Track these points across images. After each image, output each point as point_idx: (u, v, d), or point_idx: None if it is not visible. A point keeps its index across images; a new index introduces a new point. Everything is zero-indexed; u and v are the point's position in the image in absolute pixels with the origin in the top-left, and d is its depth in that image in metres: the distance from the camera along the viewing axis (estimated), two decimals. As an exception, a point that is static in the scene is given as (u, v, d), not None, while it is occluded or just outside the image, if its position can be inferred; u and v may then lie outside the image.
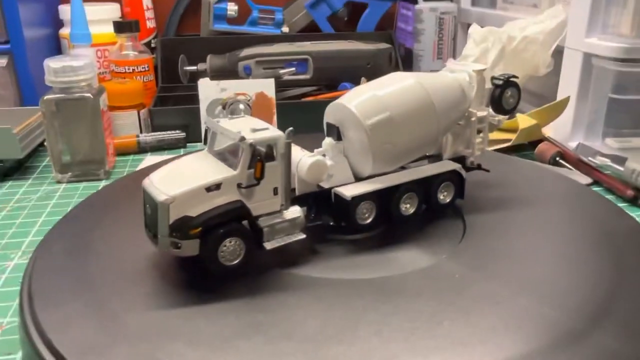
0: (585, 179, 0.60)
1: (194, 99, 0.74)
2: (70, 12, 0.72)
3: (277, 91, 0.70)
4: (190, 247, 0.29)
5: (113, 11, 0.82)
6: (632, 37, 0.63)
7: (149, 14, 0.88)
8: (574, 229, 0.37)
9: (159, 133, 0.68)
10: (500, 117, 0.41)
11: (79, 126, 0.58)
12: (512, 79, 0.39)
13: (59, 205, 0.54)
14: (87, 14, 0.73)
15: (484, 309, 0.28)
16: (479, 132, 0.40)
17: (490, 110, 0.40)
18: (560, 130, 0.70)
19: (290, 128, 0.30)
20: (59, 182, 0.59)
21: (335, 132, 0.35)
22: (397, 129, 0.35)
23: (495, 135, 0.67)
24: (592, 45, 0.65)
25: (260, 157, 0.29)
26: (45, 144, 0.68)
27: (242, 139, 0.29)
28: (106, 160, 0.59)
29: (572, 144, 0.69)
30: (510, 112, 0.40)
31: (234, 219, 0.30)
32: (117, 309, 0.28)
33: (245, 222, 0.31)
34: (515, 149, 0.68)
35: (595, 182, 0.60)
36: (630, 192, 0.55)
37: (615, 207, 0.40)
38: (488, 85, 0.40)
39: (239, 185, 0.30)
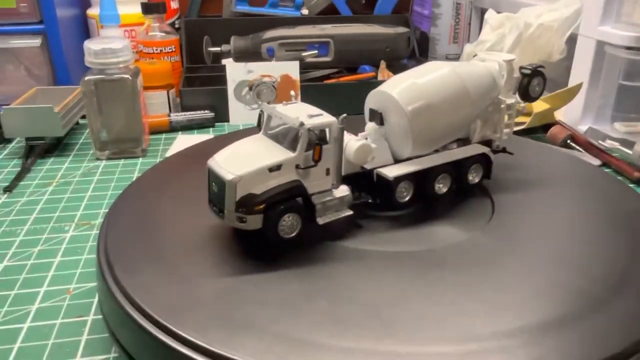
0: (595, 161, 0.64)
1: (218, 79, 0.77)
2: (100, -7, 0.75)
3: (300, 73, 0.73)
4: (255, 222, 0.32)
5: (139, -8, 0.84)
6: (645, 25, 0.65)
7: (173, -5, 0.89)
8: (593, 207, 0.40)
9: (189, 113, 0.71)
10: (525, 103, 0.44)
11: (117, 106, 0.61)
12: (539, 69, 0.42)
13: (102, 182, 0.57)
14: (115, -5, 0.76)
15: (519, 278, 0.31)
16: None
17: (517, 97, 0.43)
18: (571, 115, 0.73)
19: (344, 114, 0.33)
20: (98, 159, 0.62)
21: (378, 118, 0.38)
22: (436, 114, 0.38)
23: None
24: (605, 34, 0.67)
25: (320, 141, 0.32)
26: (82, 121, 0.71)
27: (302, 124, 0.32)
28: (143, 138, 0.62)
29: (582, 128, 0.72)
30: (535, 99, 0.43)
31: (292, 197, 0.33)
32: (191, 275, 0.31)
33: (300, 200, 0.34)
34: (528, 132, 0.71)
35: (604, 164, 0.63)
36: (637, 174, 0.59)
37: (628, 187, 0.43)
38: (516, 74, 0.43)
39: (297, 166, 0.33)
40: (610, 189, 0.43)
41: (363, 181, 0.38)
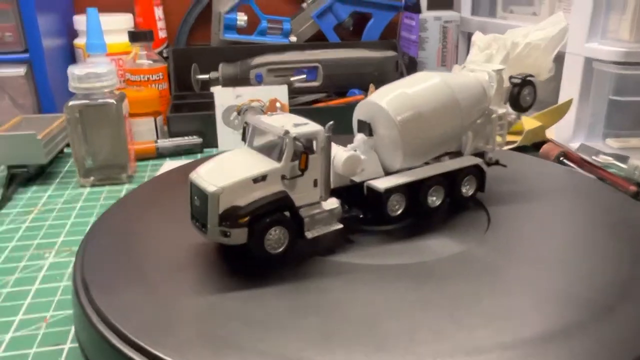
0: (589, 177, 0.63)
1: (206, 106, 0.76)
2: (87, 22, 0.74)
3: (289, 98, 0.73)
4: (239, 236, 0.31)
5: (126, 21, 0.84)
6: (631, 41, 0.66)
7: (161, 24, 0.90)
8: (592, 218, 0.39)
9: (176, 139, 0.70)
10: (515, 115, 0.44)
11: (101, 132, 0.59)
12: (529, 78, 0.42)
13: (86, 208, 0.55)
14: (102, 24, 0.75)
15: (519, 289, 0.30)
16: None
17: (508, 107, 0.42)
18: (562, 132, 0.73)
19: (331, 122, 0.32)
20: (82, 186, 0.60)
21: (367, 129, 0.37)
22: (426, 124, 0.37)
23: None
24: (592, 50, 0.68)
25: (306, 149, 0.31)
26: (66, 149, 0.70)
27: (287, 132, 0.31)
28: (128, 165, 0.61)
29: (574, 145, 0.72)
30: (527, 109, 0.42)
31: (279, 209, 0.32)
32: (172, 294, 0.29)
33: (287, 213, 0.32)
34: (520, 151, 0.70)
35: (599, 180, 0.62)
36: (632, 188, 0.58)
37: (627, 198, 0.42)
38: (506, 84, 0.42)
39: (283, 177, 0.32)
40: (609, 199, 0.42)
41: (353, 195, 0.37)
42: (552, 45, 0.73)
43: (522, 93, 0.42)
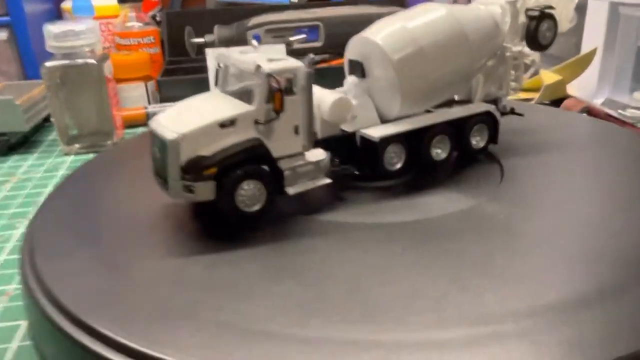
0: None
1: (202, 71, 0.71)
2: (72, -17, 0.70)
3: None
4: (205, 191, 0.26)
5: (116, -17, 0.79)
6: (664, -19, 0.59)
7: (153, -14, 0.85)
8: (621, 169, 0.33)
9: (168, 104, 0.65)
10: (533, 57, 0.38)
11: (83, 95, 0.55)
12: (548, 10, 0.36)
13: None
14: (89, -14, 0.71)
15: (540, 247, 0.25)
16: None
17: (524, 45, 0.37)
18: (584, 87, 0.66)
19: (311, 55, 0.27)
20: (66, 154, 0.57)
21: (359, 69, 0.32)
22: (429, 62, 0.32)
23: (517, 94, 0.64)
24: (620, -6, 0.61)
25: (280, 87, 0.26)
26: (50, 117, 0.66)
27: (258, 68, 0.26)
28: (114, 131, 0.57)
29: (598, 100, 0.65)
30: (546, 47, 0.37)
31: (252, 159, 0.27)
32: (127, 258, 0.25)
33: (265, 166, 0.28)
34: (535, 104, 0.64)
35: (620, 127, 0.56)
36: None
37: (663, 147, 0.37)
38: (522, 18, 0.36)
39: (256, 122, 0.27)
40: (637, 147, 0.36)
41: (344, 146, 0.32)
42: (574, -8, 0.66)
43: (540, 28, 0.36)
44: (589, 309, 0.20)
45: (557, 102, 0.64)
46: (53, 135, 0.63)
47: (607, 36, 0.63)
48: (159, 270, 0.24)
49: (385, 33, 0.32)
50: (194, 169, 0.26)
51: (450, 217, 0.28)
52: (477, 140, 0.36)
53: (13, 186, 0.50)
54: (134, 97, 0.68)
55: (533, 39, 0.36)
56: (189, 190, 0.26)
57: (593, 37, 0.65)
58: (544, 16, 0.36)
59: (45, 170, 0.53)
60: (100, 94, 0.55)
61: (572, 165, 0.34)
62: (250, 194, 0.27)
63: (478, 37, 0.34)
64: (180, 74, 0.76)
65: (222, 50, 0.29)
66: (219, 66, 0.30)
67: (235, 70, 0.29)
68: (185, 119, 0.26)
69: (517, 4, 0.36)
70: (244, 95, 0.28)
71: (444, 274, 0.23)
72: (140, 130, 0.64)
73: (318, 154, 0.30)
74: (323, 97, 0.30)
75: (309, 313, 0.21)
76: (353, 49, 0.33)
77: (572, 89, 0.66)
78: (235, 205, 0.27)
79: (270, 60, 0.27)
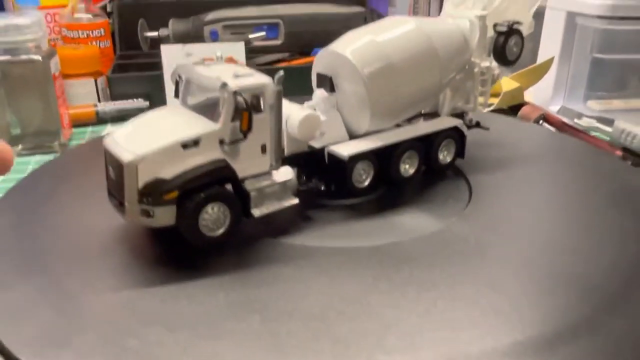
0: (573, 142, 0.58)
1: (156, 66, 0.68)
2: (14, -31, 0.65)
3: (247, 58, 0.65)
4: (165, 216, 0.24)
5: (62, -29, 0.75)
6: (618, -7, 0.60)
7: (103, -25, 0.80)
8: (586, 186, 0.34)
9: (119, 102, 0.62)
10: (498, 70, 0.38)
11: (28, 93, 0.52)
12: (515, 26, 0.36)
13: (10, 181, 0.47)
14: (33, -27, 0.66)
15: (512, 273, 0.24)
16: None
17: (492, 60, 0.37)
18: (541, 94, 0.68)
19: (281, 72, 0.26)
20: (7, 156, 0.53)
21: (328, 83, 0.31)
22: (399, 78, 0.31)
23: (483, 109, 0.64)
24: (575, 3, 0.62)
25: (247, 106, 0.25)
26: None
27: (224, 85, 0.25)
28: (61, 131, 0.53)
29: (553, 108, 0.67)
30: (513, 62, 0.37)
31: (216, 181, 0.25)
32: (76, 290, 0.23)
33: (229, 186, 0.26)
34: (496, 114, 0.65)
35: (581, 141, 0.58)
36: (618, 152, 0.53)
37: (623, 162, 0.37)
38: (490, 33, 0.36)
39: (221, 142, 0.25)
40: (601, 164, 0.37)
41: (311, 163, 0.31)
42: (533, -1, 0.67)
43: (508, 43, 0.36)
44: (565, 345, 0.20)
45: (514, 108, 0.65)
46: (-6, 134, 0.59)
47: (564, 45, 0.64)
48: (111, 304, 0.22)
49: (355, 47, 0.31)
50: (153, 193, 0.24)
51: (419, 241, 0.27)
52: (445, 155, 0.35)
53: (-52, 191, 0.46)
54: (82, 93, 0.64)
55: (501, 54, 0.36)
56: (147, 214, 0.24)
57: (550, 45, 0.66)
58: (512, 32, 0.36)
59: (-16, 174, 0.49)
60: (46, 92, 0.52)
61: (538, 181, 0.35)
62: (214, 218, 0.25)
63: (447, 53, 0.33)
64: (133, 69, 0.72)
65: (185, 63, 0.27)
66: (180, 77, 0.28)
67: (193, 81, 0.27)
68: (144, 138, 0.25)
69: (486, 19, 0.35)
70: (207, 109, 0.26)
71: (416, 306, 0.22)
72: (90, 129, 0.60)
73: (285, 173, 0.28)
74: (291, 112, 0.29)
75: (279, 352, 0.19)
76: (321, 62, 0.32)
77: (529, 95, 0.67)
78: (198, 230, 0.25)
79: (237, 76, 0.26)
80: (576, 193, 0.33)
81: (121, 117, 0.63)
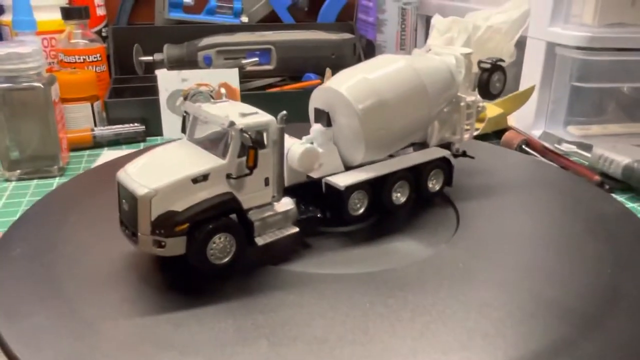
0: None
1: (151, 90, 0.70)
2: (12, -4, 0.67)
3: (240, 82, 0.68)
4: (176, 246, 0.26)
5: (59, -3, 0.76)
6: (594, 25, 0.64)
7: (99, 0, 0.82)
8: (565, 213, 0.36)
9: (116, 126, 0.64)
10: (484, 102, 0.40)
11: (28, 119, 0.53)
12: (499, 63, 0.38)
13: (10, 205, 0.49)
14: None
15: (498, 297, 0.26)
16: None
17: (477, 94, 0.39)
18: (523, 120, 0.71)
19: (284, 112, 0.28)
20: (7, 180, 0.54)
21: (325, 118, 0.33)
22: (391, 113, 0.33)
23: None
24: (555, 35, 0.65)
25: (253, 144, 0.27)
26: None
27: (232, 124, 0.27)
28: (60, 155, 0.55)
29: (535, 132, 0.70)
30: (496, 96, 0.39)
31: (223, 213, 0.27)
32: (93, 317, 0.25)
33: (233, 217, 0.28)
34: (480, 139, 0.68)
35: (561, 169, 0.60)
36: (596, 177, 0.56)
37: (599, 190, 0.40)
38: (474, 69, 0.39)
39: (228, 176, 0.27)
40: (579, 191, 0.40)
41: (309, 193, 0.33)
42: (514, 29, 0.70)
43: (492, 79, 0.38)
44: (546, 366, 0.22)
45: (498, 133, 0.68)
46: (-9, 157, 0.60)
47: (544, 73, 0.67)
48: (127, 330, 0.24)
49: (349, 84, 0.33)
50: (166, 225, 0.26)
51: (412, 267, 0.29)
52: (434, 184, 0.37)
53: (-51, 216, 0.47)
54: (79, 117, 0.66)
55: (485, 89, 0.38)
56: (159, 245, 0.26)
57: (531, 72, 0.69)
58: (496, 68, 0.38)
59: (-16, 198, 0.50)
60: (46, 118, 0.53)
61: (521, 208, 0.37)
62: (221, 247, 0.27)
63: (436, 88, 0.36)
64: (128, 93, 0.74)
65: (191, 104, 0.29)
66: (186, 114, 0.30)
67: (202, 119, 0.29)
68: (156, 173, 0.26)
69: (470, 56, 0.38)
70: (211, 143, 0.28)
71: (410, 330, 0.24)
72: (87, 153, 0.61)
73: (286, 203, 0.30)
74: (292, 147, 0.31)
75: (287, 378, 0.21)
76: (318, 98, 0.34)
77: (511, 120, 0.70)
78: (206, 259, 0.27)
79: (243, 114, 0.28)
80: (555, 219, 0.35)
81: (117, 141, 0.64)
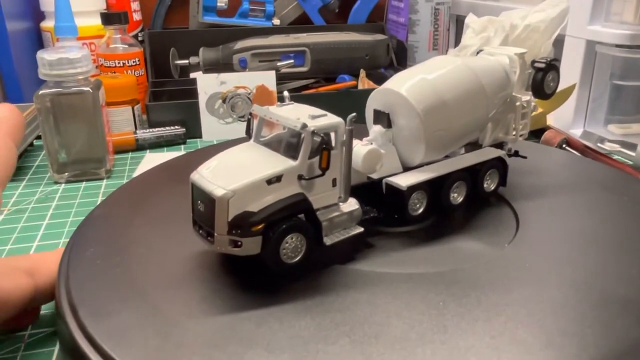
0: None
1: (187, 93, 0.71)
2: (55, 3, 0.68)
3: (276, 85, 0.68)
4: (252, 245, 0.27)
5: (98, 2, 0.78)
6: (635, 23, 0.63)
7: (135, 5, 0.83)
8: (624, 211, 0.36)
9: (157, 129, 0.65)
10: (534, 102, 0.40)
11: (76, 123, 0.54)
12: (553, 62, 0.38)
13: (62, 207, 0.50)
14: (71, 5, 0.69)
15: (571, 297, 0.26)
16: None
17: (530, 94, 0.39)
18: (562, 119, 0.70)
19: (353, 114, 0.28)
20: (56, 182, 0.55)
21: (385, 119, 0.34)
22: (451, 113, 0.33)
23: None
24: (595, 33, 0.65)
25: (327, 146, 0.27)
26: (37, 142, 0.64)
27: (304, 126, 0.27)
28: (107, 158, 0.56)
29: (574, 132, 0.69)
30: (550, 96, 0.39)
31: (296, 213, 0.28)
32: (175, 315, 0.25)
33: (303, 217, 0.28)
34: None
35: (610, 167, 0.60)
36: (642, 177, 0.55)
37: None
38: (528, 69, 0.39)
39: (300, 177, 0.28)
40: (634, 190, 0.39)
41: (370, 193, 0.33)
42: (552, 28, 0.70)
43: (546, 79, 0.38)
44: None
45: (537, 132, 0.67)
46: (38, 160, 0.62)
47: (583, 72, 0.67)
48: (211, 328, 0.24)
49: (409, 84, 0.33)
50: (243, 225, 0.26)
51: (480, 267, 0.29)
52: (489, 184, 0.37)
53: (4, 219, 0.48)
54: (120, 121, 0.67)
55: (539, 89, 0.38)
56: (236, 245, 0.26)
57: (570, 71, 0.68)
58: (550, 67, 0.38)
59: (37, 201, 0.52)
60: (94, 121, 0.54)
61: (574, 205, 0.37)
62: (293, 247, 0.28)
63: (493, 88, 0.36)
64: (165, 96, 0.75)
65: (259, 107, 0.30)
66: (251, 116, 0.31)
67: (272, 121, 0.29)
68: (231, 175, 0.27)
69: (524, 56, 0.38)
70: (278, 145, 0.29)
71: (489, 328, 0.24)
72: (130, 155, 0.63)
73: (351, 204, 0.31)
74: (355, 148, 0.31)
75: (375, 375, 0.21)
76: (377, 100, 0.34)
77: (550, 119, 0.69)
78: (279, 258, 0.27)
79: (313, 116, 0.28)
80: (615, 218, 0.35)
81: (158, 143, 0.65)
